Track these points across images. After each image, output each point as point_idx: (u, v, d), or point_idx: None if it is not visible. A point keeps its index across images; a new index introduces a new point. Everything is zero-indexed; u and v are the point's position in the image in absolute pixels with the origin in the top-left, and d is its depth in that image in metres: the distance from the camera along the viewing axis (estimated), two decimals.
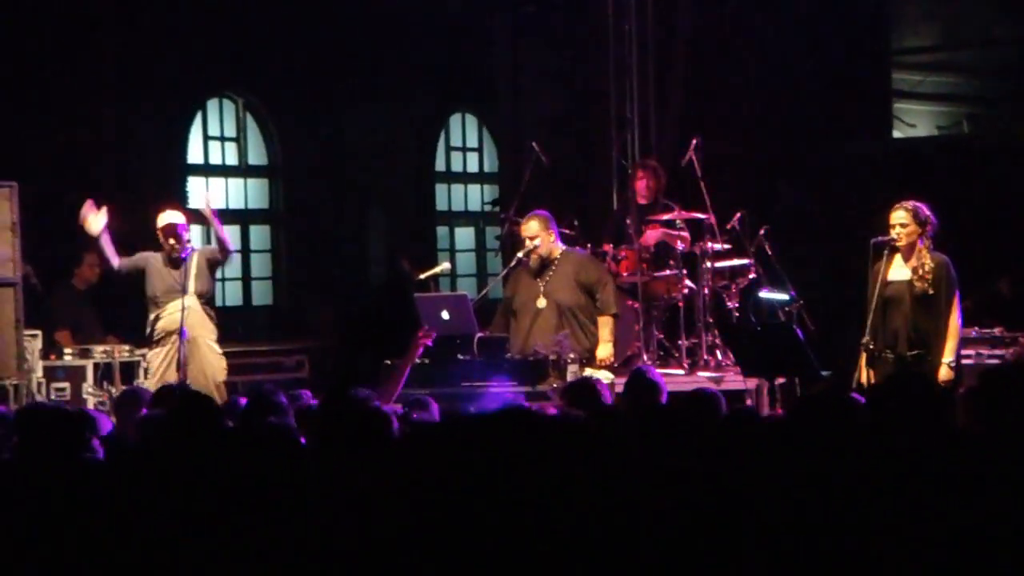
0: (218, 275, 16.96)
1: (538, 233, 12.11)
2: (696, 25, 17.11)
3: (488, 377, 11.38)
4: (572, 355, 11.79)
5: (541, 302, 12.01)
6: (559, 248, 12.26)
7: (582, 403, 7.36)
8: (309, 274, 17.55)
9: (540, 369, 11.87)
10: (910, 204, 10.15)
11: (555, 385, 11.50)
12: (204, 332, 11.97)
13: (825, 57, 17.60)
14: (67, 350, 12.98)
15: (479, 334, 11.93)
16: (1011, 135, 18.50)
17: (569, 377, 11.69)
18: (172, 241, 12.10)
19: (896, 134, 19.09)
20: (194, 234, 15.39)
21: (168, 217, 12.20)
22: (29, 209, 12.53)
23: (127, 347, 12.85)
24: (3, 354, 11.88)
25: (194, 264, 12.15)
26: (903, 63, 19.24)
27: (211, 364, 11.86)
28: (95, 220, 12.01)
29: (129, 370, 12.76)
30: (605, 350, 11.91)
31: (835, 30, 17.71)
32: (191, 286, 12.00)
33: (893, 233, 10.05)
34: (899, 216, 10.07)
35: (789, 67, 17.51)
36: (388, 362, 12.01)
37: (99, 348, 12.75)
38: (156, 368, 11.92)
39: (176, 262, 12.08)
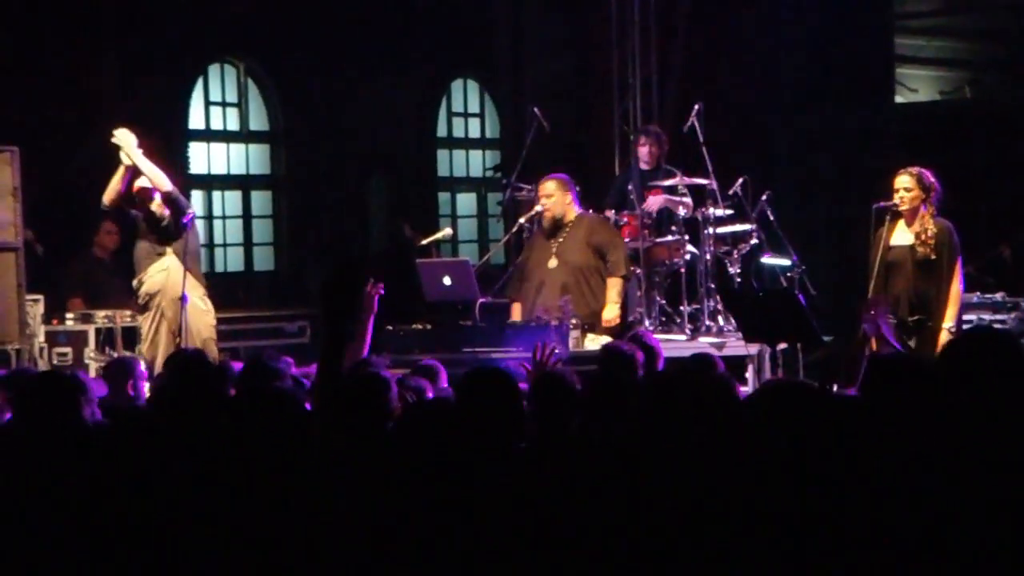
0: (218, 240, 17.14)
1: (553, 193, 12.11)
2: None
3: (490, 343, 11.38)
4: (574, 320, 11.79)
5: (552, 263, 11.99)
6: (575, 211, 12.24)
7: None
8: (310, 240, 17.54)
9: (542, 335, 11.87)
10: (915, 170, 10.15)
11: (557, 351, 11.48)
12: (189, 290, 11.84)
13: (827, 22, 17.55)
14: (69, 315, 12.98)
15: (480, 299, 11.93)
16: (1013, 100, 18.47)
17: (571, 343, 11.70)
18: (150, 206, 11.99)
19: (898, 99, 19.06)
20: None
21: (143, 182, 12.08)
22: (30, 174, 12.50)
23: (129, 312, 12.82)
24: (5, 319, 11.87)
25: None
26: (905, 28, 19.19)
27: (196, 320, 11.75)
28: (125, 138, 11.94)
29: (132, 335, 12.75)
30: (611, 311, 11.89)
31: None
32: (168, 246, 11.87)
33: (896, 198, 10.04)
34: (903, 181, 10.06)
35: (791, 33, 17.47)
36: (390, 327, 12.01)
37: (101, 313, 12.75)
38: (146, 333, 11.88)
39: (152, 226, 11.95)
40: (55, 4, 15.10)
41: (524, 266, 12.29)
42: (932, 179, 10.10)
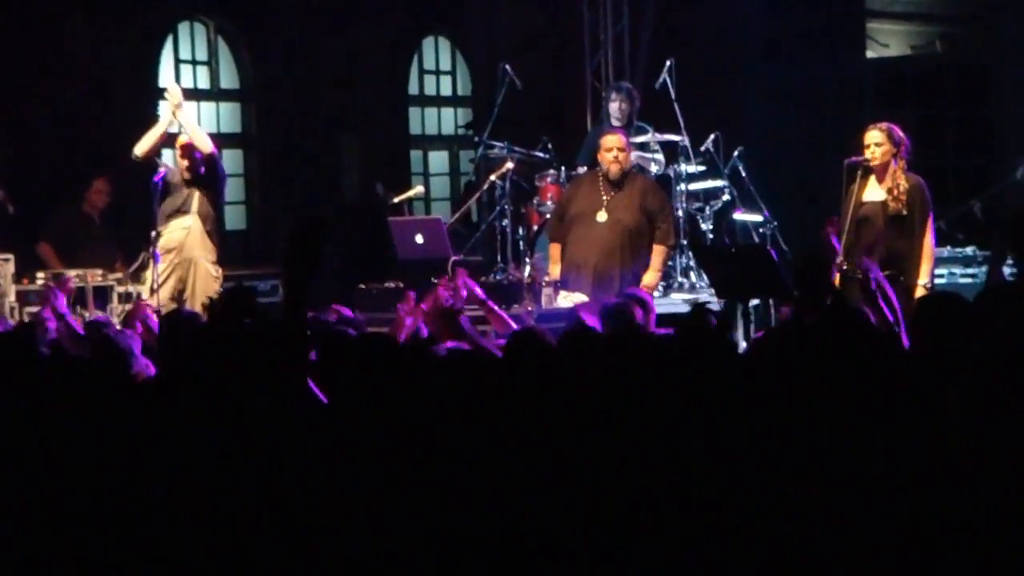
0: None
1: (626, 147, 11.95)
2: None
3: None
4: (547, 278, 11.80)
5: (602, 216, 11.76)
6: (631, 168, 12.12)
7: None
8: (282, 199, 17.50)
9: (514, 292, 11.90)
10: (884, 125, 10.15)
11: (529, 308, 11.52)
12: (204, 253, 11.96)
13: None
14: (39, 274, 12.92)
15: (453, 257, 11.92)
16: (984, 54, 18.49)
17: (543, 301, 11.72)
18: (186, 162, 12.05)
19: (869, 54, 19.06)
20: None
21: (186, 137, 12.16)
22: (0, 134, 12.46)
23: (100, 271, 12.79)
24: None
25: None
26: None
27: (206, 285, 11.83)
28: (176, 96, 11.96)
29: (103, 295, 12.73)
30: (653, 278, 11.73)
31: None
32: (193, 206, 11.98)
33: (867, 153, 10.05)
34: (873, 136, 10.06)
35: None
36: (362, 286, 12.02)
37: (72, 272, 12.70)
38: (151, 283, 11.89)
39: (187, 183, 12.04)
40: None
41: (567, 209, 12.00)
42: (902, 134, 10.10)
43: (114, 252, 13.68)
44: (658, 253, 11.81)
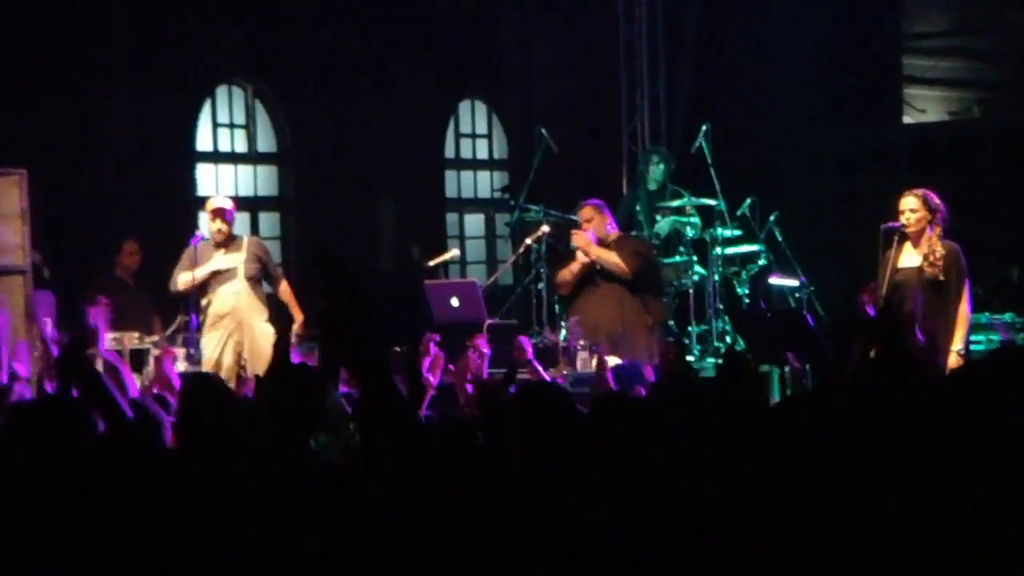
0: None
1: (592, 216, 12.22)
2: (706, 10, 17.08)
3: (498, 364, 11.35)
4: (582, 342, 11.79)
5: (596, 281, 12.19)
6: (614, 234, 12.32)
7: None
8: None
9: (550, 355, 11.89)
10: (920, 191, 10.12)
11: (564, 372, 11.50)
12: (254, 314, 12.04)
13: (836, 42, 17.57)
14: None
15: (488, 321, 11.92)
16: (1022, 120, 18.45)
17: (579, 364, 11.70)
18: (219, 224, 12.15)
19: (907, 119, 19.05)
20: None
21: (217, 201, 12.26)
22: (39, 197, 12.48)
23: (136, 334, 12.81)
24: (13, 341, 11.84)
25: (245, 249, 12.22)
26: (914, 48, 19.19)
27: (264, 346, 11.85)
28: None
29: (139, 358, 12.74)
30: (581, 240, 12.08)
31: (846, 15, 17.68)
32: (241, 270, 12.06)
33: (903, 219, 10.01)
34: (909, 202, 10.03)
35: (800, 53, 17.49)
36: (398, 349, 12.00)
37: (109, 335, 12.71)
38: (210, 354, 11.96)
39: (223, 246, 12.13)
40: (65, 26, 15.11)
41: (584, 279, 12.36)
42: (938, 200, 10.06)
43: (151, 314, 13.72)
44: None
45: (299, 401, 4.75)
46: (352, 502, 4.61)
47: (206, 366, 11.92)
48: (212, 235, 12.23)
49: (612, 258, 11.98)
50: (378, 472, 4.68)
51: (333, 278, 4.74)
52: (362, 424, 5.03)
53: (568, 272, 12.23)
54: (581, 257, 12.07)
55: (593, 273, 12.09)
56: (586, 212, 12.31)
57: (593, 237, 12.05)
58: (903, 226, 10.00)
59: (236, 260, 12.21)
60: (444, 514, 4.58)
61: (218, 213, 12.22)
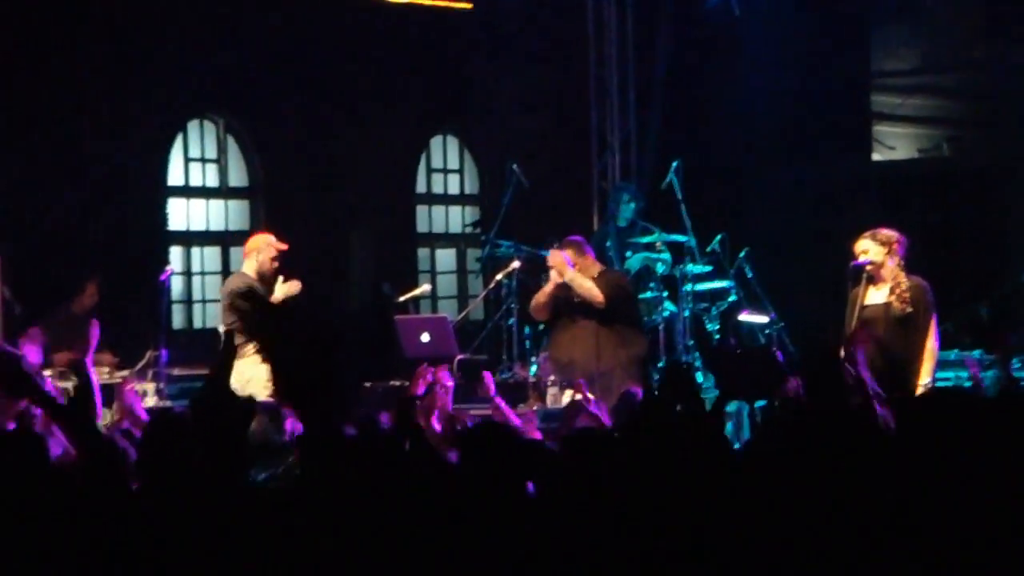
0: (197, 296, 17.14)
1: (575, 260, 11.72)
2: (676, 48, 17.16)
3: (469, 399, 11.36)
4: (552, 377, 11.79)
5: (577, 317, 11.66)
6: (597, 269, 11.85)
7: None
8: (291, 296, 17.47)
9: (520, 391, 11.90)
10: (869, 232, 10.14)
11: (535, 408, 11.49)
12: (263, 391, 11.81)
13: (805, 79, 17.66)
14: (47, 372, 12.90)
15: (459, 356, 11.92)
16: (991, 158, 18.56)
17: (549, 400, 11.71)
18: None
19: (876, 157, 19.14)
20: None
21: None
22: (8, 231, 12.49)
23: (107, 368, 12.77)
24: None
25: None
26: (883, 86, 19.29)
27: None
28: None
29: (109, 392, 12.69)
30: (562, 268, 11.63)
31: (815, 53, 17.77)
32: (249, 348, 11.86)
33: (852, 264, 10.05)
34: (860, 245, 10.08)
35: (770, 90, 17.56)
36: (368, 384, 12.02)
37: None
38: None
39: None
40: (36, 59, 15.12)
41: (562, 307, 11.86)
42: (889, 233, 10.08)
43: (103, 351, 13.66)
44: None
45: (231, 430, 4.75)
46: (291, 530, 4.61)
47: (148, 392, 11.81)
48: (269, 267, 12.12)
49: (586, 284, 11.51)
50: (317, 501, 4.69)
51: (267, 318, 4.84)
52: (303, 457, 5.04)
53: (542, 295, 11.82)
54: (555, 277, 11.63)
55: (571, 307, 11.67)
56: (567, 256, 11.78)
57: (569, 262, 11.68)
58: (871, 263, 10.03)
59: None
60: (387, 545, 4.58)
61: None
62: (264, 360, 10.64)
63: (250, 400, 4.89)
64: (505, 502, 4.97)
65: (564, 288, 11.64)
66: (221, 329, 11.90)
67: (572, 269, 11.56)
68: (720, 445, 5.69)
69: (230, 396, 4.92)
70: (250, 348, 11.70)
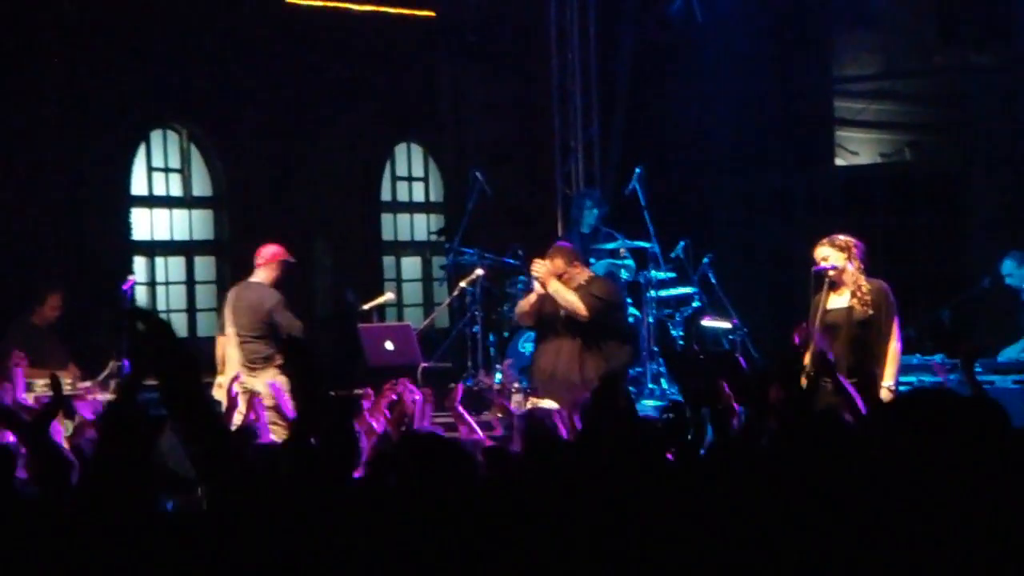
0: (162, 306, 17.08)
1: (565, 270, 11.46)
2: (639, 53, 17.21)
3: (433, 409, 11.35)
4: (516, 384, 11.78)
5: (558, 326, 11.40)
6: (585, 276, 11.59)
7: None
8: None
9: (484, 398, 11.89)
10: (827, 238, 10.16)
11: (499, 415, 11.48)
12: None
13: (767, 85, 17.73)
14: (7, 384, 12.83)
15: (423, 364, 11.92)
16: (953, 163, 18.67)
17: (512, 406, 11.69)
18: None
19: (839, 162, 19.22)
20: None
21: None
22: None
23: (69, 380, 12.71)
24: None
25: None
26: (845, 91, 19.38)
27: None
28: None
29: (69, 404, 12.63)
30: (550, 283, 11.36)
31: (777, 58, 17.85)
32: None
33: (814, 269, 10.07)
34: (819, 252, 10.09)
35: (732, 96, 17.63)
36: (332, 393, 11.97)
37: (40, 381, 12.63)
38: None
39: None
40: None
41: (542, 310, 11.62)
42: (846, 238, 10.11)
43: (66, 361, 13.60)
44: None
45: (135, 449, 4.65)
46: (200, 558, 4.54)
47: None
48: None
49: (569, 296, 11.26)
50: (227, 529, 4.64)
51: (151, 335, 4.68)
52: (207, 485, 4.90)
53: (526, 303, 11.65)
54: (538, 288, 11.44)
55: (555, 315, 11.48)
56: (557, 265, 11.47)
57: (555, 271, 11.33)
58: (833, 268, 10.06)
59: None
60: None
61: None
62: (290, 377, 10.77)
63: (159, 419, 4.74)
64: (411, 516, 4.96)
65: (548, 296, 11.52)
66: (228, 333, 11.84)
67: (556, 281, 11.29)
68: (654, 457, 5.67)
69: (138, 413, 4.75)
70: (271, 363, 11.67)
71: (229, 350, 11.92)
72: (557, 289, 11.30)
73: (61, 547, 4.52)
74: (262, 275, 12.18)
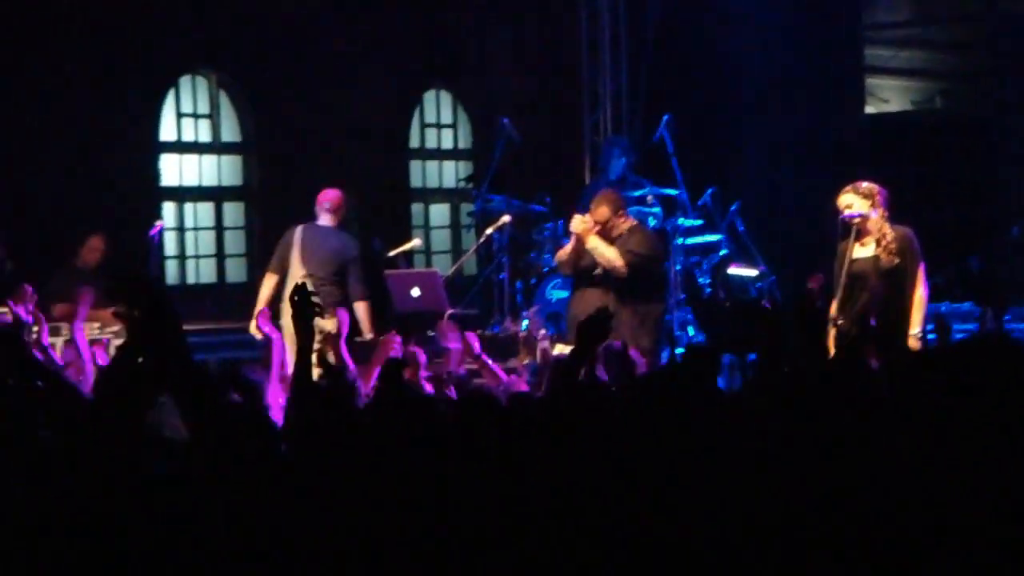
0: (191, 252, 17.15)
1: (610, 218, 11.21)
2: (667, 2, 17.12)
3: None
4: (542, 331, 11.80)
5: (599, 270, 11.22)
6: (627, 225, 11.36)
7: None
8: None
9: (511, 345, 11.93)
10: (849, 186, 10.10)
11: (526, 361, 11.53)
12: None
13: (798, 33, 17.63)
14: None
15: (449, 311, 11.94)
16: (984, 110, 18.57)
17: (539, 354, 11.72)
18: None
19: (869, 109, 19.13)
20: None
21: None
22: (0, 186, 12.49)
23: (97, 325, 12.74)
24: None
25: None
26: (875, 38, 19.27)
27: None
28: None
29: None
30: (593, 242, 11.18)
31: (809, 5, 17.75)
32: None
33: (841, 217, 10.02)
34: (843, 200, 10.02)
35: (762, 43, 17.54)
36: (358, 339, 12.03)
37: (94, 325, 12.61)
38: None
39: None
40: (26, 16, 15.09)
41: (579, 259, 11.41)
42: (870, 185, 10.05)
43: (107, 305, 13.62)
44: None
45: (129, 412, 4.62)
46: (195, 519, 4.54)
47: None
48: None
49: (608, 254, 11.07)
50: (212, 490, 4.63)
51: (138, 296, 4.63)
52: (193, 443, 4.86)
53: (564, 252, 11.43)
54: (573, 242, 11.23)
55: (591, 270, 11.21)
56: (601, 213, 11.26)
57: (597, 222, 11.12)
58: (862, 216, 9.99)
59: None
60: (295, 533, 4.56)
61: None
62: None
63: (153, 382, 4.68)
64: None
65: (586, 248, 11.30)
66: (299, 279, 11.85)
67: (595, 237, 11.08)
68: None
69: (133, 376, 4.72)
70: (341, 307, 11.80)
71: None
72: (595, 246, 11.12)
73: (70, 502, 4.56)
74: (331, 220, 12.29)
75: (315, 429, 5.29)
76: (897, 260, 9.91)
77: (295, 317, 5.99)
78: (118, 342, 11.71)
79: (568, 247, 11.35)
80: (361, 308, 11.99)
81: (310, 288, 11.65)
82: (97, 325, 12.68)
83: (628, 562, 4.56)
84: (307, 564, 4.46)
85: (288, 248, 12.27)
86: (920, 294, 9.96)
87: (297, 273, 11.94)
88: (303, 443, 5.21)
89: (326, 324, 11.33)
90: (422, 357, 8.71)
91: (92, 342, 9.83)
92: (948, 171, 17.92)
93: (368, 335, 11.80)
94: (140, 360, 4.63)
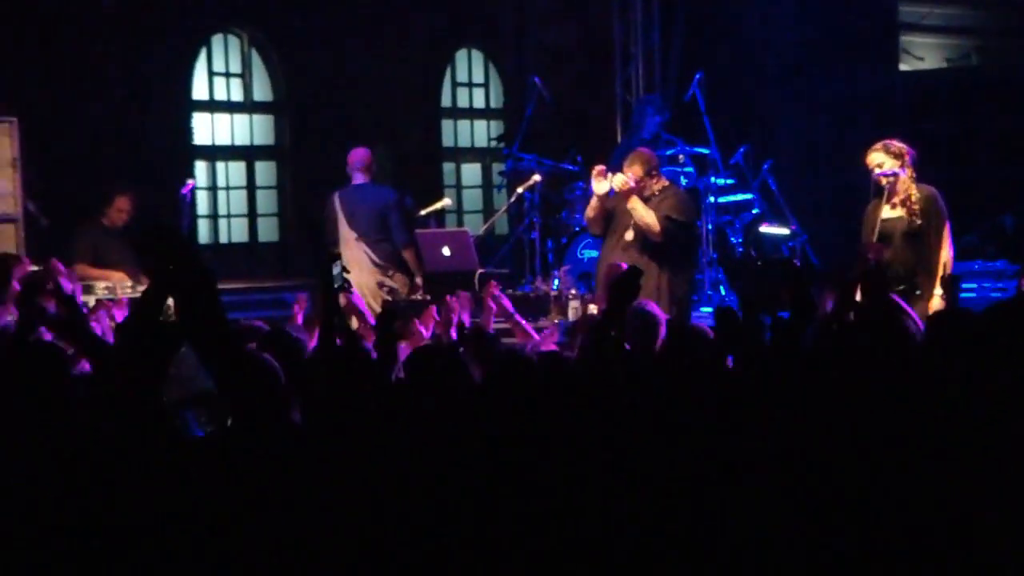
0: (223, 211, 17.18)
1: (642, 177, 10.93)
2: None
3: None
4: (573, 291, 11.78)
5: (629, 235, 10.96)
6: (661, 183, 11.10)
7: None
8: (316, 210, 17.51)
9: (542, 304, 11.91)
10: (878, 144, 10.00)
11: (556, 321, 11.50)
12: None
13: None
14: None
15: (480, 270, 11.92)
16: (1020, 67, 18.41)
17: (570, 314, 11.71)
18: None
19: (904, 67, 19.00)
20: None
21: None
22: (32, 145, 12.51)
23: (130, 284, 12.78)
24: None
25: None
26: None
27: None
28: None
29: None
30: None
31: None
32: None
33: (874, 176, 9.93)
34: (873, 159, 9.91)
35: (796, 1, 17.44)
36: (389, 298, 12.03)
37: (101, 284, 12.69)
38: None
39: None
40: None
41: (612, 217, 11.15)
42: (899, 144, 9.95)
43: (132, 264, 13.63)
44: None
45: (149, 358, 4.59)
46: (220, 475, 4.52)
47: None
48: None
49: (648, 218, 10.81)
50: (249, 446, 4.62)
51: (167, 250, 4.61)
52: (228, 398, 4.84)
53: (591, 210, 11.19)
54: (597, 191, 10.97)
55: (622, 224, 10.95)
56: (635, 171, 10.97)
57: (634, 179, 10.84)
58: (893, 175, 9.91)
59: None
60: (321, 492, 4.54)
61: None
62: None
63: (175, 329, 4.64)
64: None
65: (611, 200, 11.30)
66: (352, 241, 11.93)
67: (636, 198, 10.87)
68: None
69: (157, 323, 4.69)
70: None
71: (354, 254, 11.96)
72: (635, 206, 10.89)
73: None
74: (365, 176, 12.36)
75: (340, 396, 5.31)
76: (920, 221, 9.84)
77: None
78: (136, 296, 11.77)
79: (593, 203, 11.19)
80: (408, 255, 12.08)
81: (366, 251, 11.89)
82: (128, 284, 12.71)
83: (653, 518, 4.56)
84: (331, 524, 4.47)
85: (334, 216, 12.32)
86: (945, 254, 9.88)
87: (349, 236, 12.03)
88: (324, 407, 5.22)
89: (392, 282, 11.80)
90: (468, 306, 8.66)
91: (107, 302, 9.76)
92: (983, 128, 17.76)
93: (418, 279, 11.94)
94: (159, 311, 4.65)
